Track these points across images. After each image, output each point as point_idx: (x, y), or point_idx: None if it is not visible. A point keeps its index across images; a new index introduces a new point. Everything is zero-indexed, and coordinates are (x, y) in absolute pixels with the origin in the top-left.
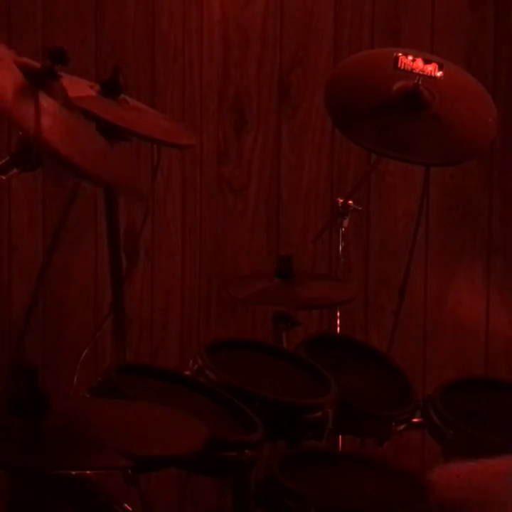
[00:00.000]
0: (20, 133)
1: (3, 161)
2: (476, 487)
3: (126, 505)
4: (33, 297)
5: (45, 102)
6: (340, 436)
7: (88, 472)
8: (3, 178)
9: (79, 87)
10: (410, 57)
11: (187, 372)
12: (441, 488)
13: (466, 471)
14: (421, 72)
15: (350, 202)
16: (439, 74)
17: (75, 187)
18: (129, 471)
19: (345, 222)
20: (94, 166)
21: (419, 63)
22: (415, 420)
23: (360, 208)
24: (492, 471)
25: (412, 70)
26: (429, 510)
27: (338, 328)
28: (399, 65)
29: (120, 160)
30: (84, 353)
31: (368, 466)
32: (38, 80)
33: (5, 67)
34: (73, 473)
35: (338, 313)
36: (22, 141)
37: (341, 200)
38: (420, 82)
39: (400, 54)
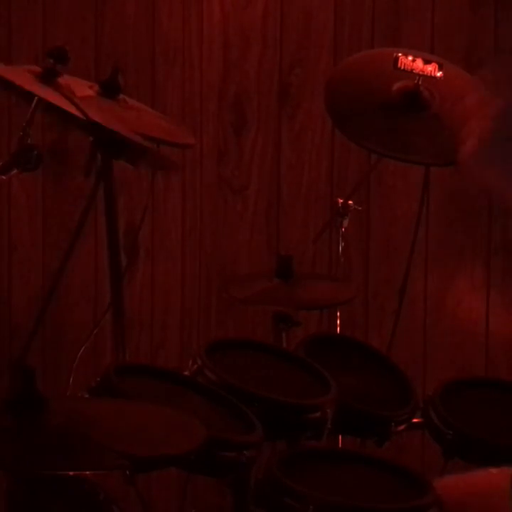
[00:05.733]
0: (21, 134)
1: (3, 161)
2: (476, 497)
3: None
4: (38, 318)
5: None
6: (340, 437)
7: (86, 472)
8: (3, 178)
9: (78, 88)
10: (410, 57)
11: (186, 373)
12: (443, 499)
13: (461, 482)
14: (421, 72)
15: (350, 202)
16: (439, 74)
17: (92, 193)
18: (127, 471)
19: (345, 222)
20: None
21: (419, 63)
22: (415, 420)
23: (360, 208)
24: (492, 481)
25: (412, 70)
26: (427, 507)
27: (338, 328)
28: (399, 65)
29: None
30: (81, 350)
31: (367, 464)
32: (46, 79)
33: (16, 69)
34: (71, 473)
35: (338, 313)
36: (22, 142)
37: (341, 200)
38: (420, 82)
39: (400, 54)
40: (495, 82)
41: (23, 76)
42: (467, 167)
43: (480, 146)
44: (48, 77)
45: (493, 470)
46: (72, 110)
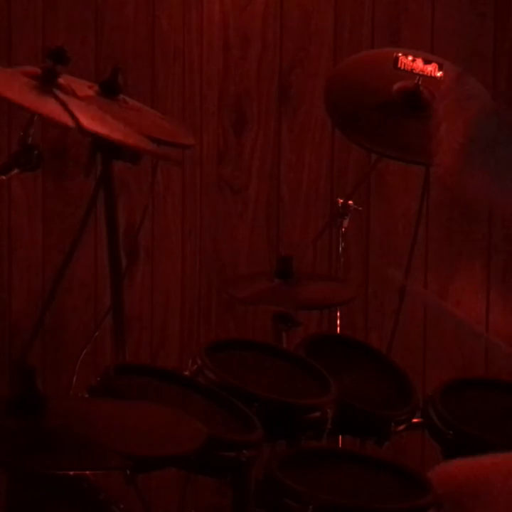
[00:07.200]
0: (21, 134)
1: (3, 161)
2: (472, 482)
3: (122, 505)
4: (40, 316)
5: (62, 95)
6: (340, 437)
7: (86, 472)
8: (3, 178)
9: (78, 88)
10: (410, 57)
11: (186, 373)
12: (439, 484)
13: (463, 466)
14: (421, 72)
15: (350, 202)
16: (439, 74)
17: (93, 195)
18: (128, 471)
19: (345, 222)
20: (128, 139)
21: (419, 63)
22: (415, 420)
23: (360, 208)
24: (488, 467)
25: (412, 70)
26: (427, 507)
27: (338, 328)
28: (399, 65)
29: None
30: (83, 353)
31: (367, 464)
32: (46, 80)
33: (12, 73)
34: (71, 473)
35: (338, 313)
36: (22, 142)
37: (341, 200)
38: (420, 82)
39: (400, 54)
40: (469, 86)
41: (18, 83)
42: (445, 173)
43: (457, 152)
44: (47, 79)
45: (493, 456)
46: (66, 120)
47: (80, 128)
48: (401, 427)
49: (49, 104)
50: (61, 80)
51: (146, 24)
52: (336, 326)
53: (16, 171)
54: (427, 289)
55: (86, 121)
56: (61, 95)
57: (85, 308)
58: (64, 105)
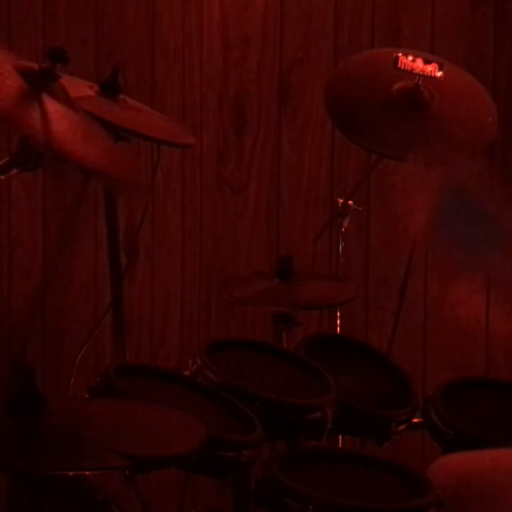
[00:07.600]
0: (20, 134)
1: (3, 161)
2: (473, 476)
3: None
4: (35, 305)
5: (49, 103)
6: (340, 437)
7: (86, 472)
8: (3, 178)
9: (78, 88)
10: (410, 57)
11: (186, 373)
12: (438, 478)
13: (463, 460)
14: (421, 72)
15: (350, 202)
16: (439, 74)
17: (79, 194)
18: (127, 471)
19: (345, 222)
20: (101, 165)
21: (419, 63)
22: (415, 420)
23: (360, 208)
24: (489, 461)
25: (412, 70)
26: (427, 507)
27: (338, 328)
28: (399, 65)
29: (124, 158)
30: (82, 351)
31: (367, 464)
32: (39, 82)
33: (4, 73)
34: (71, 473)
35: (338, 313)
36: (22, 142)
37: (341, 200)
38: (420, 82)
39: (400, 54)
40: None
41: (4, 84)
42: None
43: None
44: (40, 82)
45: (493, 450)
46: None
47: (47, 147)
48: (401, 427)
49: (30, 113)
50: (56, 84)
51: (146, 24)
52: (336, 326)
53: (15, 170)
54: (427, 289)
55: (61, 141)
56: (48, 102)
57: (85, 308)
58: (43, 117)
